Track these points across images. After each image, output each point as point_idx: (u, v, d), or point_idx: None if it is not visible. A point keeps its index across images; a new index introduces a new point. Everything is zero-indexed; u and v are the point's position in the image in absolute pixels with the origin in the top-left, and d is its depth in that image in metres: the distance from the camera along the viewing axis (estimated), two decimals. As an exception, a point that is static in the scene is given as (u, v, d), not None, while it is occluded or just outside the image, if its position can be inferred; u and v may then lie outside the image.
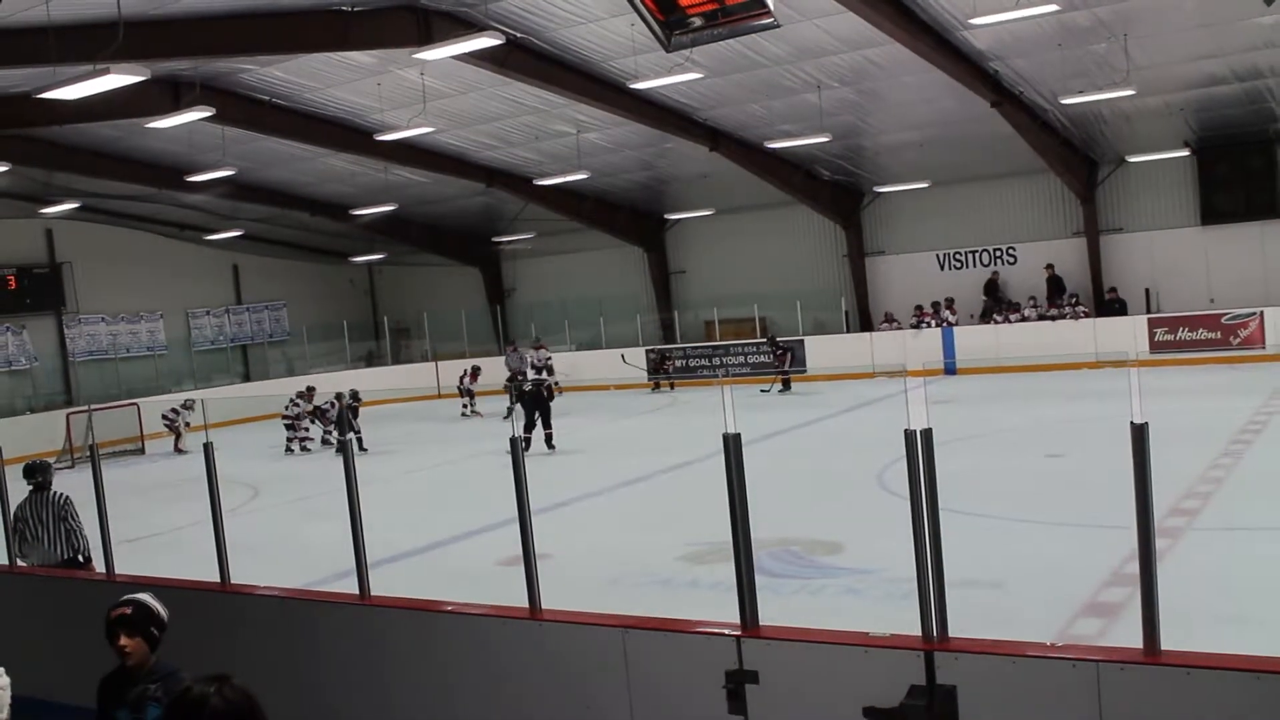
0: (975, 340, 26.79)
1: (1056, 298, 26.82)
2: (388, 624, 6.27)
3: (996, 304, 27.53)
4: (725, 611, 5.20)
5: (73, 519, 9.63)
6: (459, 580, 10.00)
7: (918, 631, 4.58)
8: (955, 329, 27.31)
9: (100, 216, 30.18)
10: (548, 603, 5.74)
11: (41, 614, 8.11)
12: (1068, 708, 4.24)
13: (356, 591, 6.45)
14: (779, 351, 27.52)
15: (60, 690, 6.78)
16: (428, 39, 17.85)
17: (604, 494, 15.32)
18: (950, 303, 27.72)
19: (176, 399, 25.73)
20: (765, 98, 22.83)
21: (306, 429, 23.00)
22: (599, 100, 22.05)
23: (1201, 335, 24.66)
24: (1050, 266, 27.05)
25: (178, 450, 24.21)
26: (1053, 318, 26.39)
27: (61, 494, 9.75)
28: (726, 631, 5.04)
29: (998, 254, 28.25)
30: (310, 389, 23.72)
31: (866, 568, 10.07)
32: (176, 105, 20.04)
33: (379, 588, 6.50)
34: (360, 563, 6.41)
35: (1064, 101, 21.38)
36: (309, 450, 22.51)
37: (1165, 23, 18.88)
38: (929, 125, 24.32)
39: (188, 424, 24.75)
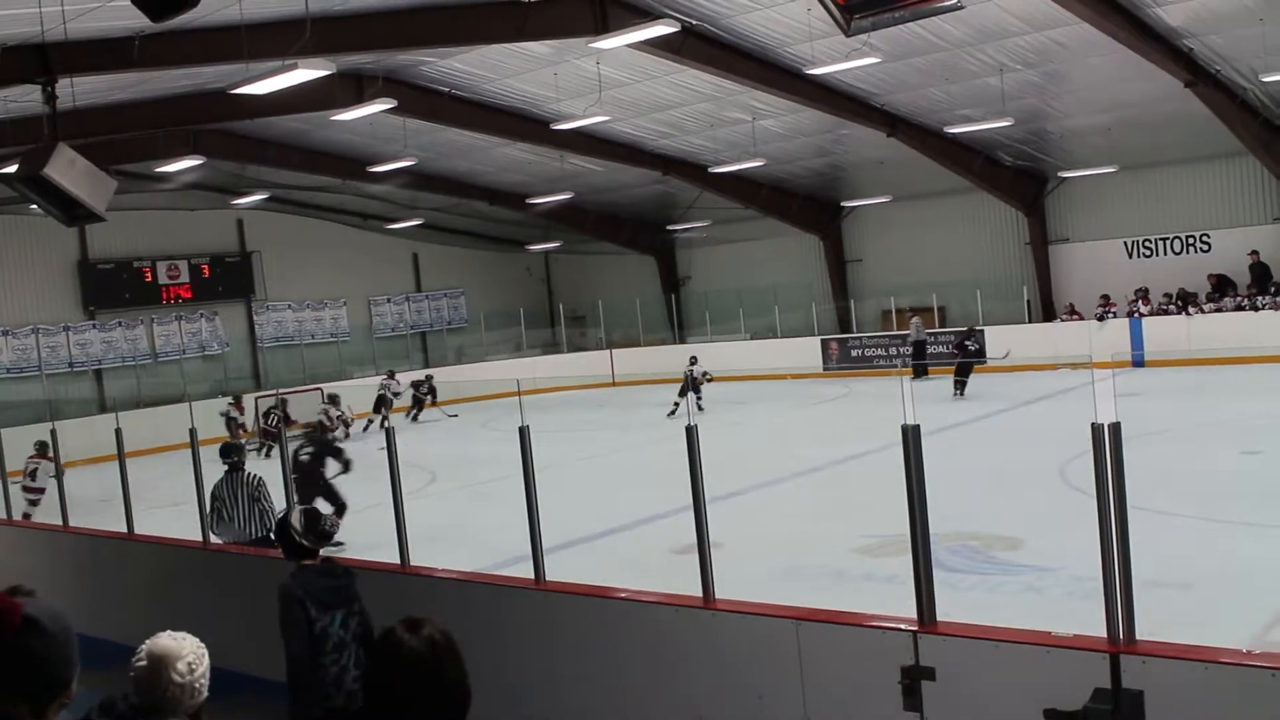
0: (1165, 332, 25.67)
1: (1263, 286, 25.41)
2: (562, 609, 6.35)
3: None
4: (899, 606, 5.11)
5: (266, 499, 10.05)
6: (632, 567, 10.07)
7: (1102, 632, 4.43)
8: (1144, 320, 26.28)
9: (287, 207, 31.43)
10: (720, 592, 5.73)
11: (237, 590, 8.43)
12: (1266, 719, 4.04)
13: (532, 576, 6.55)
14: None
15: (250, 663, 7.05)
16: (604, 28, 17.99)
17: (779, 484, 15.25)
18: (1145, 293, 26.65)
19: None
20: (945, 81, 22.34)
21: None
22: (775, 87, 21.89)
23: None
24: (1254, 253, 25.74)
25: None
26: (1254, 308, 25.10)
27: (255, 474, 10.17)
28: (903, 626, 4.96)
29: (1190, 242, 27.08)
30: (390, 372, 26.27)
31: (1047, 565, 9.81)
32: (360, 98, 20.74)
33: (554, 573, 6.58)
34: (536, 548, 6.50)
35: (1265, 79, 20.32)
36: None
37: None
38: (1117, 107, 23.46)
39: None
